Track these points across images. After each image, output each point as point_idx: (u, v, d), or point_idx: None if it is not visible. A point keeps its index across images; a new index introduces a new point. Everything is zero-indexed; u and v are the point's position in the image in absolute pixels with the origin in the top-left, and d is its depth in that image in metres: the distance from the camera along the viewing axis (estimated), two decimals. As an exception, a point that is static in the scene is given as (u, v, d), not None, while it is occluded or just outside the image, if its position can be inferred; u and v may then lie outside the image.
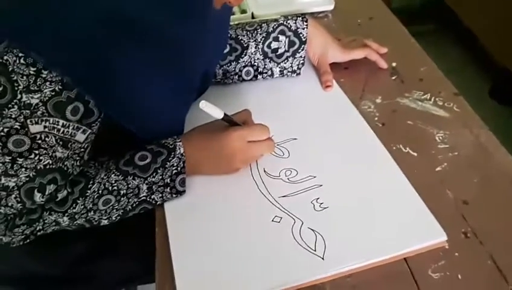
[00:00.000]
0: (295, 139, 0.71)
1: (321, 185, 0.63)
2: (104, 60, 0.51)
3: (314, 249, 0.56)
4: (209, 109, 0.59)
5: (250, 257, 0.56)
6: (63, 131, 0.52)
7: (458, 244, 0.57)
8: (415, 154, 0.69)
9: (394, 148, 0.69)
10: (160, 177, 0.60)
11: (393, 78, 0.83)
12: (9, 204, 0.53)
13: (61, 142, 0.53)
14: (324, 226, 0.58)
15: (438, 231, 0.57)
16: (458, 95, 0.78)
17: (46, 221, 0.57)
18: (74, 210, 0.57)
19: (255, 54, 0.77)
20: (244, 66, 0.78)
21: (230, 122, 0.63)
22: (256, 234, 0.58)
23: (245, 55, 0.77)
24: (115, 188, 0.58)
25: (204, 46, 0.62)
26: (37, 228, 0.57)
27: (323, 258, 0.55)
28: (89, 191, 0.57)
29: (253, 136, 0.63)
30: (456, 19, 2.04)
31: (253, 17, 0.99)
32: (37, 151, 0.51)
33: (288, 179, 0.65)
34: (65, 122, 0.51)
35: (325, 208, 0.61)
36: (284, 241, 0.57)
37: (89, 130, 0.55)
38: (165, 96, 0.60)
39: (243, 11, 0.99)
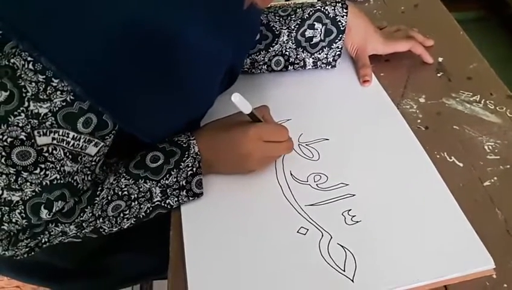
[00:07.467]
0: (327, 139, 0.64)
1: (354, 195, 0.57)
2: (120, 71, 0.46)
3: (343, 269, 0.50)
4: (240, 102, 0.54)
5: (270, 271, 0.51)
6: (73, 144, 0.47)
7: (508, 275, 0.50)
8: (461, 164, 0.61)
9: (438, 156, 0.62)
10: (175, 179, 0.55)
11: (439, 75, 0.75)
12: (14, 220, 0.48)
13: (70, 156, 0.48)
14: (355, 243, 0.52)
15: (485, 258, 0.50)
16: (512, 97, 0.70)
17: (52, 233, 0.53)
18: (82, 218, 0.53)
19: (287, 43, 0.70)
20: (275, 56, 0.71)
21: (253, 118, 0.58)
22: (278, 245, 0.53)
23: (276, 44, 0.70)
24: (125, 192, 0.54)
25: (227, 56, 0.57)
26: (43, 241, 0.53)
27: (353, 281, 0.49)
28: (97, 199, 0.53)
29: (271, 136, 0.58)
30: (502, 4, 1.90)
31: (286, -1, 0.91)
32: (43, 166, 0.47)
33: (317, 185, 0.59)
34: (76, 135, 0.47)
35: (357, 221, 0.55)
36: (309, 257, 0.52)
37: (102, 143, 0.50)
38: (183, 111, 0.56)
39: (276, -8, 0.91)
